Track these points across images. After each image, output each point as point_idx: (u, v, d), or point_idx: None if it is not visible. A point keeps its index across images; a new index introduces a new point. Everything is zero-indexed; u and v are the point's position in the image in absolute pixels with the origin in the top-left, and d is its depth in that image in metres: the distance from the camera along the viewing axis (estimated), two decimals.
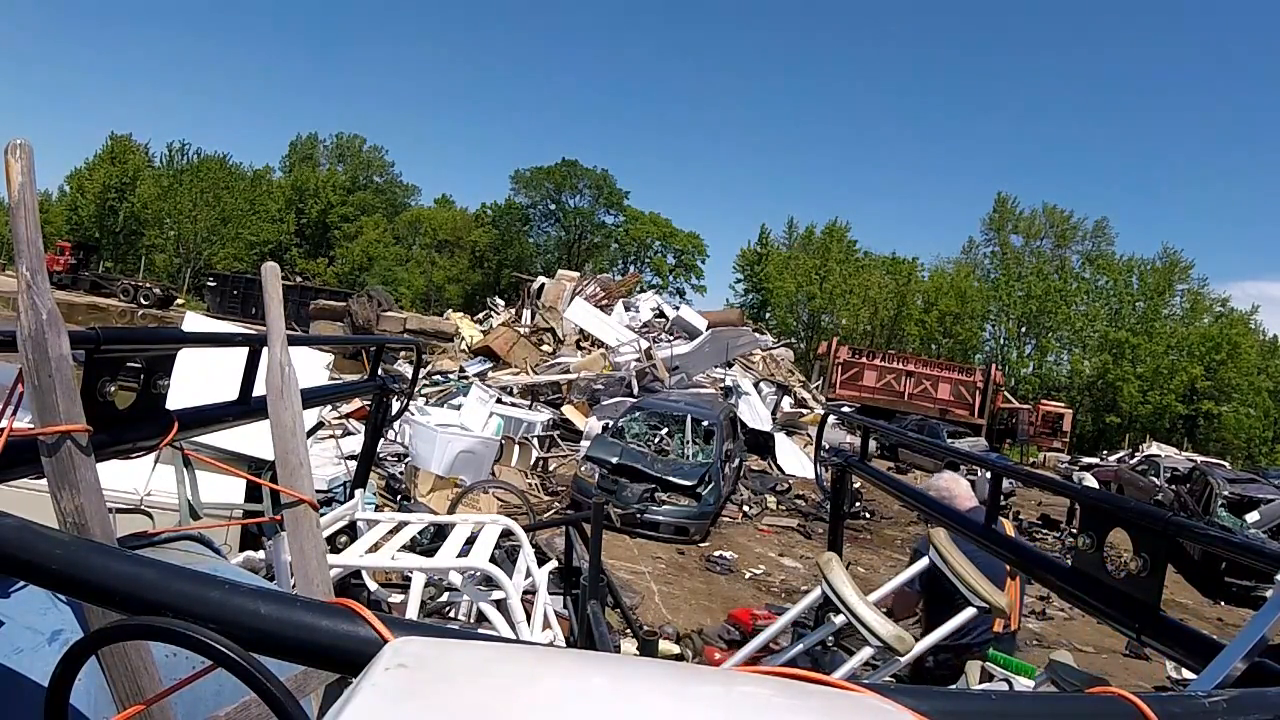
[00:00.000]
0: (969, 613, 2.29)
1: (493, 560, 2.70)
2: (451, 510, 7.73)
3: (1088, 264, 47.36)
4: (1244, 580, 10.50)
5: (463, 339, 19.45)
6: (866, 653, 2.14)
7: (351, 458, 7.56)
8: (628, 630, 4.79)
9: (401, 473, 9.64)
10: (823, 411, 16.01)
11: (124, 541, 1.42)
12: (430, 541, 3.98)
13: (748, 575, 9.21)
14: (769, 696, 0.56)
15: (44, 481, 1.08)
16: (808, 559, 9.90)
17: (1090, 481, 18.08)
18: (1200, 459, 21.14)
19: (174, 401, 1.51)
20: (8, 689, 1.02)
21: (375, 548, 2.66)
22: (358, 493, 3.11)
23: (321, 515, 1.94)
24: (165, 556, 1.34)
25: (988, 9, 79.28)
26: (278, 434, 1.52)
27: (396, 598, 3.33)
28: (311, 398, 1.99)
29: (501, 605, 2.66)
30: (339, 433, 9.60)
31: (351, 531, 2.99)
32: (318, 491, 3.02)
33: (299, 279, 37.89)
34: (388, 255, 52.30)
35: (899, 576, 2.67)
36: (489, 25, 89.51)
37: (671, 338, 18.44)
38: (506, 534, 3.06)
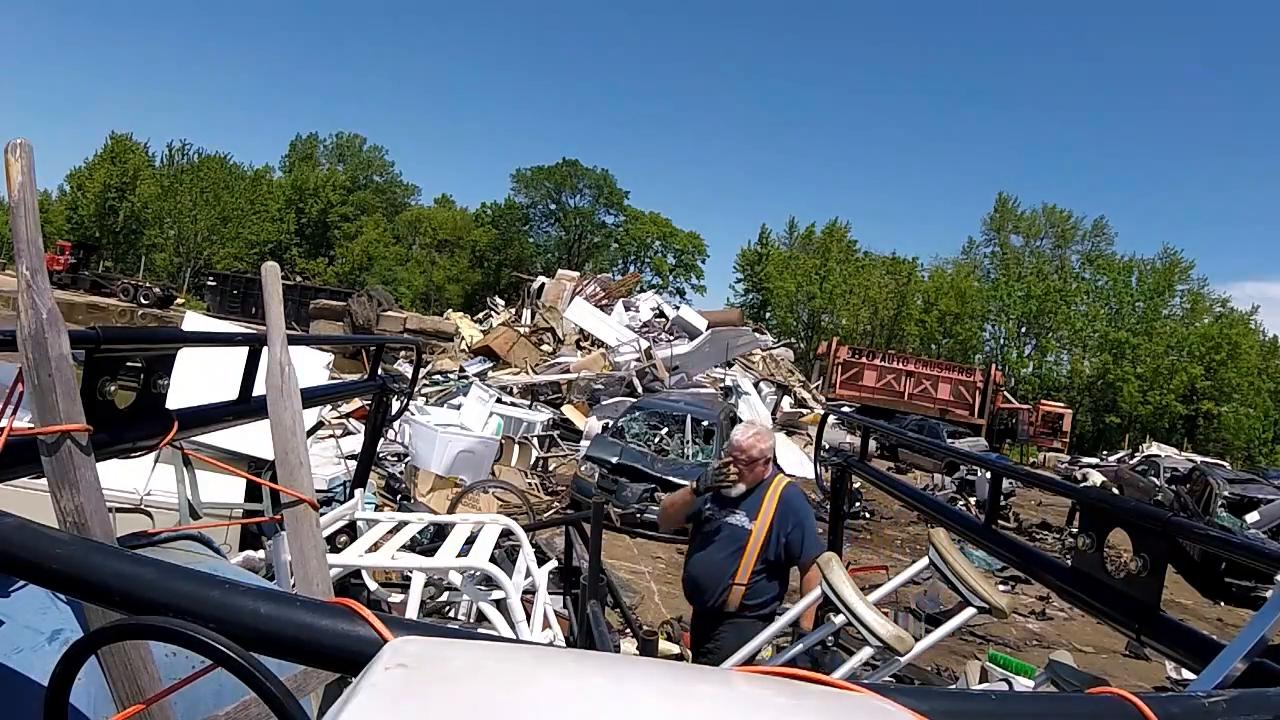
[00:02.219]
0: (969, 612, 2.29)
1: (493, 560, 2.70)
2: (451, 510, 7.74)
3: (1087, 264, 47.36)
4: (1244, 580, 10.50)
5: (463, 339, 19.46)
6: (866, 653, 2.13)
7: (351, 457, 7.56)
8: (628, 630, 4.79)
9: (401, 472, 9.64)
10: (823, 411, 16.02)
11: (124, 541, 1.42)
12: (430, 541, 3.98)
13: None
14: (768, 696, 0.56)
15: (44, 481, 1.08)
16: None
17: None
18: (1200, 459, 21.15)
19: (174, 401, 1.51)
20: (8, 689, 1.02)
21: (375, 547, 2.65)
22: (358, 492, 3.11)
23: (321, 515, 1.94)
24: (165, 556, 1.34)
25: (988, 9, 79.32)
26: (278, 434, 1.52)
27: (396, 597, 3.33)
28: (311, 397, 1.99)
29: (501, 605, 2.65)
30: (339, 432, 9.60)
31: (351, 531, 2.99)
32: (318, 491, 3.02)
33: (299, 278, 37.84)
34: (388, 255, 52.30)
35: (899, 576, 2.67)
36: (489, 25, 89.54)
37: (671, 338, 18.45)
38: (506, 534, 3.06)
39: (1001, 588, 8.55)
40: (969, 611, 2.28)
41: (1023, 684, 2.60)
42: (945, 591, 4.64)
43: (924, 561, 2.50)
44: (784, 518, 3.44)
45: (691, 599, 3.64)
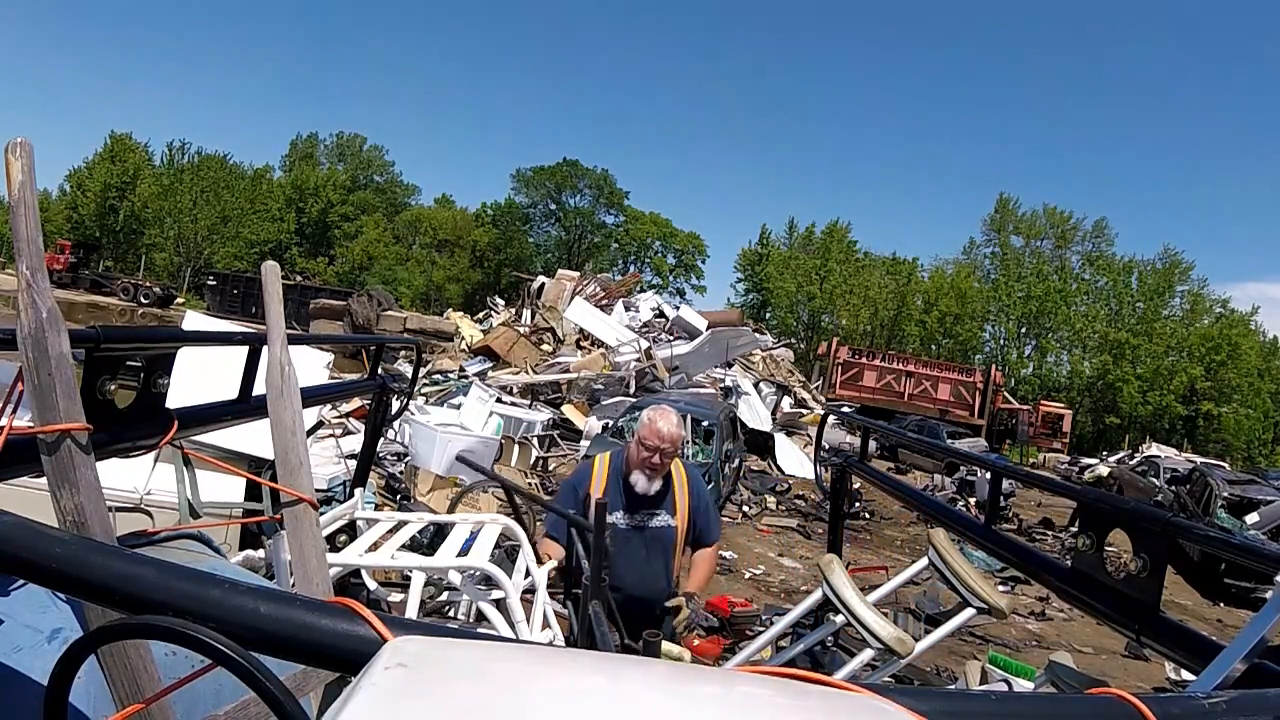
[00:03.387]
0: (969, 613, 2.29)
1: (492, 560, 2.70)
2: (451, 510, 7.73)
3: (1087, 264, 47.37)
4: (1244, 581, 10.50)
5: (463, 339, 19.45)
6: (867, 653, 2.14)
7: (351, 457, 7.56)
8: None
9: (401, 472, 9.63)
10: (823, 411, 16.01)
11: (124, 540, 1.42)
12: (430, 541, 3.98)
13: (747, 575, 9.21)
14: (769, 696, 0.56)
15: (44, 480, 1.08)
16: (807, 559, 9.90)
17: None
18: (1200, 460, 21.15)
19: (174, 400, 1.51)
20: (8, 688, 1.02)
21: (375, 547, 2.65)
22: (357, 492, 3.10)
23: (321, 514, 1.94)
24: (165, 555, 1.34)
25: (988, 9, 79.34)
26: (278, 433, 1.52)
27: (396, 597, 3.32)
28: (311, 397, 1.98)
29: (501, 605, 2.65)
30: (339, 432, 9.60)
31: (351, 531, 2.98)
32: (317, 491, 3.01)
33: (299, 278, 37.84)
34: (388, 255, 52.30)
35: (899, 576, 2.67)
36: (489, 25, 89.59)
37: (671, 338, 18.44)
38: (506, 534, 3.06)
39: (1001, 588, 8.55)
40: (969, 612, 2.28)
41: (1022, 685, 2.60)
42: (945, 592, 4.63)
43: (924, 562, 2.50)
44: (695, 501, 3.33)
45: (628, 613, 3.07)
